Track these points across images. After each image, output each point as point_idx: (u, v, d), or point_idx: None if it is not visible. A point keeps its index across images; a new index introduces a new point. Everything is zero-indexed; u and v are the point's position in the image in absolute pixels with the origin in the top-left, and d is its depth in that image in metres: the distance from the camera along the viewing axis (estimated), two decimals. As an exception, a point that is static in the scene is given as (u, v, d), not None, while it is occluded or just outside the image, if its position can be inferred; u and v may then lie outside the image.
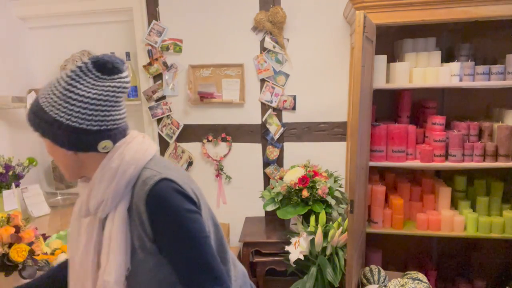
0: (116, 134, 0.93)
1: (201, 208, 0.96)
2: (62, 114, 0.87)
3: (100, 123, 0.89)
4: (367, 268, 2.33)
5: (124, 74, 0.93)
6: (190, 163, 2.77)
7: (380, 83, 2.31)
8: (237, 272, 1.10)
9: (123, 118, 0.96)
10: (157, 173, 0.92)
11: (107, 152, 0.93)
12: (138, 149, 0.95)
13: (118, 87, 0.91)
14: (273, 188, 2.45)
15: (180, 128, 2.73)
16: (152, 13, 2.63)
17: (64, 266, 1.08)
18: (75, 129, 0.87)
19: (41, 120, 0.89)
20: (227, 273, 1.00)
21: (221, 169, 2.76)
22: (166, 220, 0.89)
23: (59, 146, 0.91)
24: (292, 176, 2.32)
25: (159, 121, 2.76)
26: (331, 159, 2.61)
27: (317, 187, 2.24)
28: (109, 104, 0.90)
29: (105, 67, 0.89)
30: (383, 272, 2.30)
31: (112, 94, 0.90)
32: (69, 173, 0.98)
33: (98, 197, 0.92)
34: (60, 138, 0.89)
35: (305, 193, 2.23)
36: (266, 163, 2.73)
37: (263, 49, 2.60)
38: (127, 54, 2.67)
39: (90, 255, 0.96)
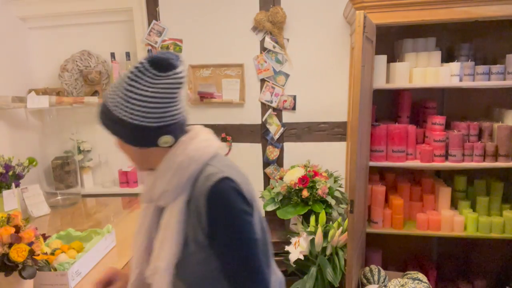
0: (175, 128, 0.96)
1: (254, 211, 0.99)
2: (125, 113, 0.92)
3: (158, 120, 0.93)
4: (367, 268, 2.33)
5: (178, 70, 0.94)
6: (190, 163, 2.77)
7: (380, 83, 2.32)
8: (275, 281, 1.10)
9: (181, 112, 0.98)
10: (220, 171, 0.95)
11: (170, 146, 0.97)
12: (201, 145, 0.99)
13: (174, 83, 0.93)
14: (273, 188, 2.45)
15: (180, 128, 2.73)
16: (152, 13, 2.63)
17: None
18: (136, 126, 0.92)
19: (108, 119, 0.95)
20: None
21: (221, 169, 2.76)
22: (223, 218, 0.93)
23: (125, 143, 0.97)
24: (292, 176, 2.32)
25: (159, 121, 2.76)
26: (331, 159, 2.61)
27: (317, 187, 2.24)
28: (166, 101, 0.93)
29: (161, 65, 0.92)
30: (383, 272, 2.30)
31: (168, 91, 0.93)
32: (137, 165, 1.04)
33: (161, 187, 0.97)
34: (125, 135, 0.96)
35: (305, 193, 2.23)
36: (266, 163, 2.73)
37: (263, 49, 2.60)
38: (127, 54, 2.67)
39: (144, 238, 1.04)
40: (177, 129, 0.97)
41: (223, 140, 2.72)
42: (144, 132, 0.93)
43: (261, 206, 2.53)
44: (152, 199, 1.02)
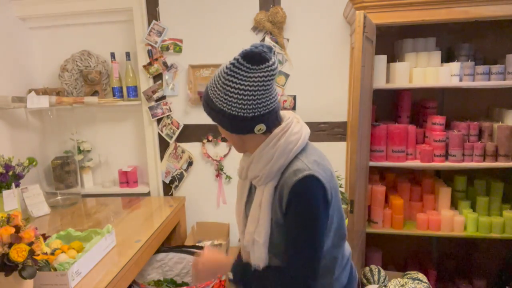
0: (269, 117, 1.06)
1: (331, 204, 1.10)
2: (225, 105, 1.03)
3: (254, 110, 1.03)
4: (367, 268, 2.33)
5: (271, 62, 1.02)
6: (190, 163, 2.77)
7: (380, 83, 2.32)
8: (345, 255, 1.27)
9: (274, 101, 1.07)
10: (307, 168, 1.05)
11: (265, 133, 1.09)
12: (292, 139, 1.08)
13: (266, 76, 1.01)
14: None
15: (180, 128, 2.73)
16: (152, 13, 2.63)
17: None
18: (235, 116, 1.04)
19: (211, 109, 1.08)
20: (336, 259, 1.19)
21: (221, 169, 2.76)
22: (299, 208, 1.05)
23: (225, 129, 1.11)
24: (292, 176, 2.32)
25: (159, 121, 2.76)
26: (331, 159, 2.58)
27: (317, 187, 2.24)
28: (259, 92, 1.02)
29: (254, 58, 1.00)
30: (383, 272, 2.30)
31: (262, 83, 1.02)
32: (236, 148, 1.19)
33: (255, 172, 1.11)
34: (225, 123, 1.08)
35: (305, 193, 2.23)
36: (266, 163, 2.72)
37: (263, 49, 2.59)
38: (127, 54, 2.67)
39: (241, 210, 1.22)
40: (271, 118, 1.08)
41: (223, 140, 2.72)
42: (241, 121, 1.04)
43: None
44: (246, 178, 1.18)
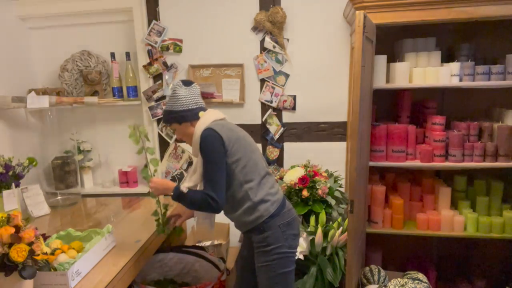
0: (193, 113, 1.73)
1: (231, 150, 1.63)
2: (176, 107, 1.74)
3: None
4: (367, 268, 2.33)
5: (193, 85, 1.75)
6: (190, 163, 2.77)
7: (380, 83, 2.32)
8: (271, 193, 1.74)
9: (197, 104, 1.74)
10: (208, 127, 1.64)
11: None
12: (202, 121, 1.68)
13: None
14: (273, 188, 2.45)
15: (180, 128, 2.73)
16: (152, 13, 2.63)
17: None
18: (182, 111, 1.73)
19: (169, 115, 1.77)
20: (251, 189, 1.67)
21: (221, 169, 2.76)
22: (203, 149, 1.63)
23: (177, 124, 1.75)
24: (292, 176, 2.32)
25: (159, 121, 2.76)
26: (331, 159, 2.61)
27: (317, 187, 2.24)
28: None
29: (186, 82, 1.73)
30: (383, 272, 2.30)
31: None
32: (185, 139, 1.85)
33: (192, 152, 1.77)
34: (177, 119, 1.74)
35: (305, 193, 2.23)
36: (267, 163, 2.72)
37: (263, 49, 2.60)
38: (127, 54, 2.67)
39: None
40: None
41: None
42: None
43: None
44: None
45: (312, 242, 2.12)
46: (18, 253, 1.30)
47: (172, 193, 1.70)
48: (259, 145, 2.72)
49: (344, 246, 2.15)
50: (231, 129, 1.71)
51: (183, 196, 1.67)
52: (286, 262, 1.73)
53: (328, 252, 2.14)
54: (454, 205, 2.51)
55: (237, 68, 2.63)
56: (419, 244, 2.75)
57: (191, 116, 1.69)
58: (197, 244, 2.50)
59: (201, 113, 1.71)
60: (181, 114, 1.68)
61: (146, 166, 1.85)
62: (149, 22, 2.64)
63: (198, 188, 1.68)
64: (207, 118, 1.70)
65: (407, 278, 2.22)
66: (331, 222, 2.22)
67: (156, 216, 1.90)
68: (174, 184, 1.73)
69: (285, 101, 2.64)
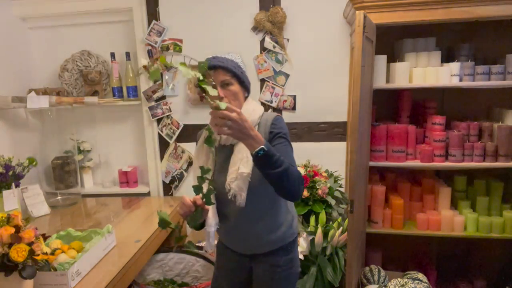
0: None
1: None
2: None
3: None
4: (367, 268, 2.33)
5: None
6: (190, 163, 2.77)
7: (380, 83, 2.32)
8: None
9: None
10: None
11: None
12: (257, 104, 1.60)
13: None
14: (273, 188, 2.45)
15: (180, 128, 2.73)
16: (152, 13, 2.63)
17: None
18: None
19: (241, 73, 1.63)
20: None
21: (221, 169, 2.76)
22: (284, 130, 1.63)
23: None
24: (292, 176, 2.32)
25: (159, 121, 2.76)
26: (331, 159, 2.61)
27: (317, 187, 2.24)
28: None
29: None
30: (383, 272, 2.30)
31: None
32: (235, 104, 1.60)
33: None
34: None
35: (305, 193, 2.23)
36: (266, 163, 2.72)
37: (263, 49, 2.60)
38: (127, 54, 2.67)
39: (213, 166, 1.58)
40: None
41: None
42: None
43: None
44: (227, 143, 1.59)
45: (312, 242, 2.12)
46: (18, 253, 1.30)
47: (262, 146, 1.21)
48: (259, 145, 2.71)
49: (344, 246, 2.15)
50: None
51: (277, 159, 1.24)
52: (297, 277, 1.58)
53: (328, 252, 2.14)
54: (454, 205, 2.51)
55: (237, 68, 2.63)
56: (419, 244, 2.75)
57: (249, 91, 1.58)
58: (197, 244, 2.51)
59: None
60: (249, 82, 1.58)
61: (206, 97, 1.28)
62: (149, 22, 2.64)
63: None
64: (256, 103, 1.60)
65: (407, 278, 2.22)
66: (331, 222, 2.23)
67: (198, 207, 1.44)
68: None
69: (285, 101, 2.64)
